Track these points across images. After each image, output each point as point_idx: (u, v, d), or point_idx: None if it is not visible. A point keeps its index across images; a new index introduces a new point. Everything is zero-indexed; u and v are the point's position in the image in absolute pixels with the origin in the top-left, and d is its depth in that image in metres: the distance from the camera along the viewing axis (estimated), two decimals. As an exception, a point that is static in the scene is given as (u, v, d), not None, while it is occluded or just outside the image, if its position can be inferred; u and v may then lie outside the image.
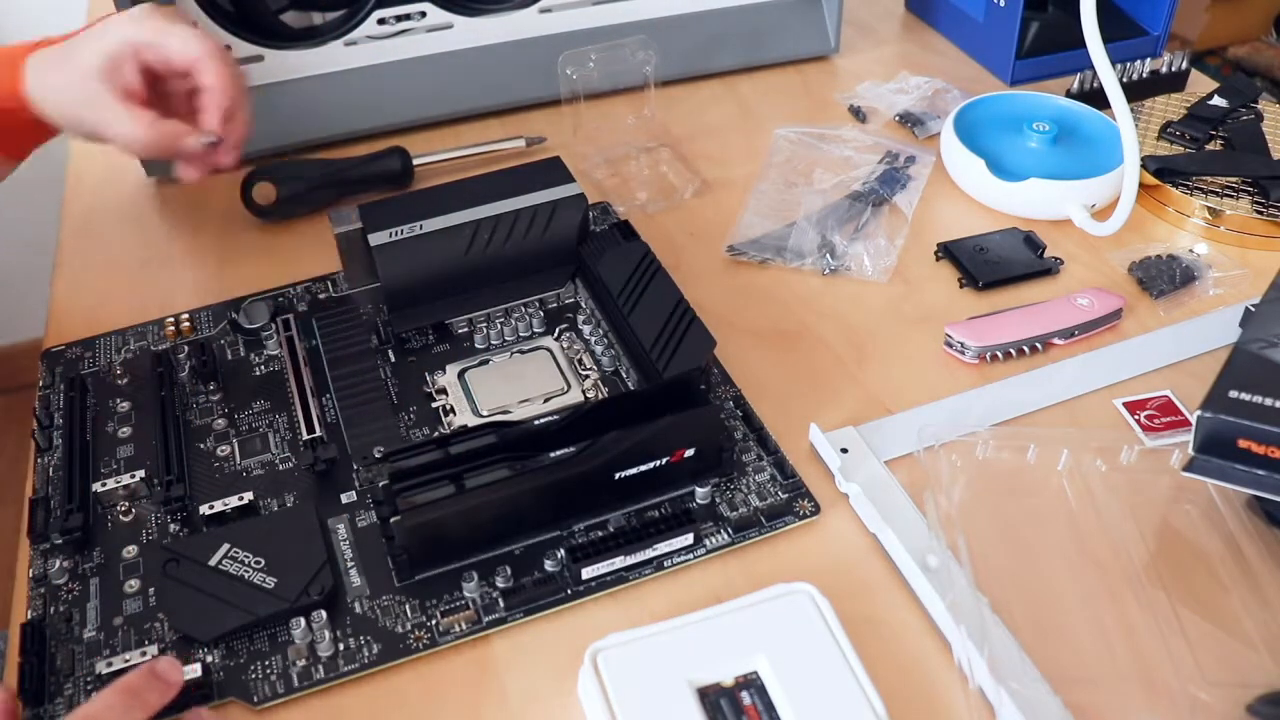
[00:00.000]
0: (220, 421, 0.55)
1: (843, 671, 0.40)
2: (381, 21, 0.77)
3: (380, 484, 0.50)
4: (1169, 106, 0.76)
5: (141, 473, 0.51)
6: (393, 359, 0.58)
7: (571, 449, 0.47)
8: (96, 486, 0.51)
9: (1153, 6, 0.84)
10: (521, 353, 0.58)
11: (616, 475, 0.48)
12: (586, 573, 0.46)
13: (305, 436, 0.53)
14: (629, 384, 0.56)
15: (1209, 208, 0.67)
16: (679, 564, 0.48)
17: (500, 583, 0.47)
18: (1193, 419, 0.46)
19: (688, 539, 0.47)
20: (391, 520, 0.46)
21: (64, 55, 0.58)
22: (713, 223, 0.69)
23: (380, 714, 0.43)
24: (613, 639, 0.42)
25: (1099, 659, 0.43)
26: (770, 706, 0.40)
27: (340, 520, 0.50)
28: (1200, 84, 0.81)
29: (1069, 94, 0.76)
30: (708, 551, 0.48)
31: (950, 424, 0.53)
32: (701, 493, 0.50)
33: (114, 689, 0.40)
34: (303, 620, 0.45)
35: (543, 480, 0.46)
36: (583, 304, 0.61)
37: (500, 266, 0.60)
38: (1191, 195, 0.67)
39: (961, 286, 0.64)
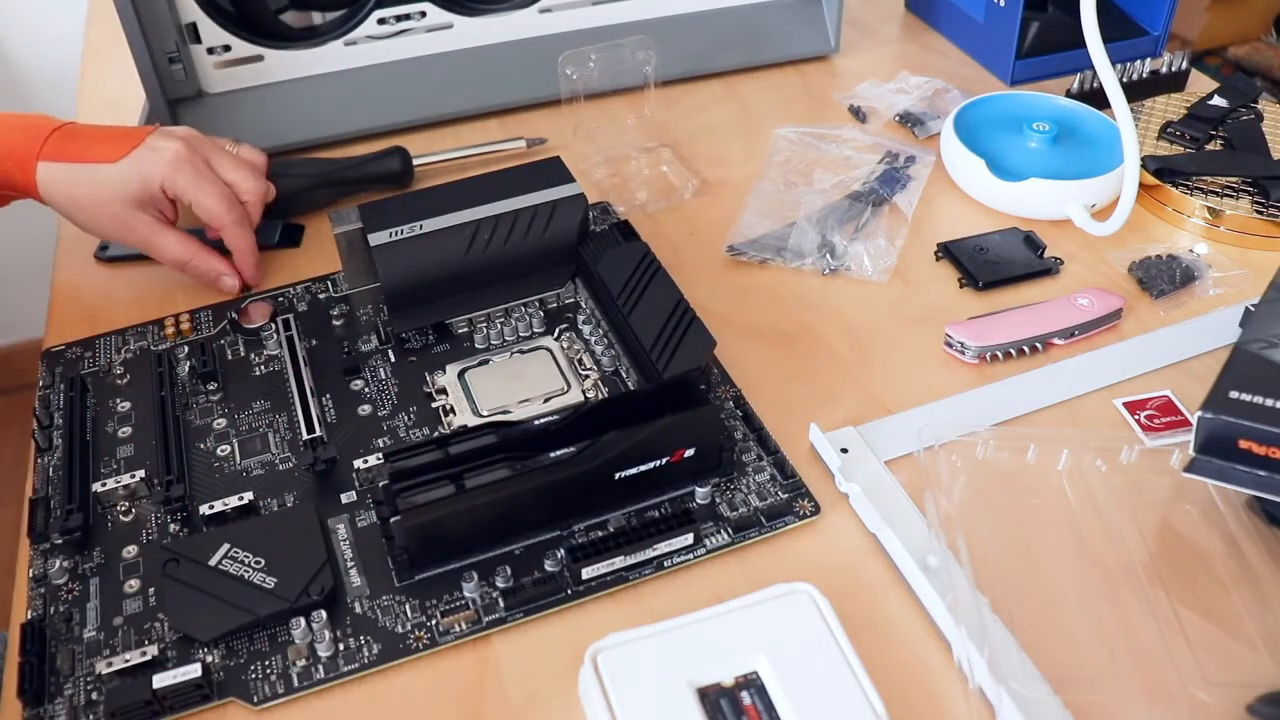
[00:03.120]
0: (220, 421, 0.55)
1: (843, 671, 0.40)
2: (381, 21, 0.77)
3: (380, 484, 0.50)
4: (1169, 106, 0.76)
5: (141, 473, 0.51)
6: (393, 359, 0.58)
7: (571, 449, 0.47)
8: (96, 486, 0.51)
9: (1153, 6, 0.84)
10: (521, 353, 0.58)
11: (616, 475, 0.48)
12: (586, 573, 0.46)
13: (305, 436, 0.53)
14: (629, 384, 0.56)
15: (1209, 208, 0.67)
16: (679, 564, 0.48)
17: (500, 583, 0.47)
18: (1193, 419, 0.46)
19: (688, 539, 0.47)
20: (391, 520, 0.46)
21: (101, 181, 0.59)
22: (713, 223, 0.69)
23: (380, 714, 0.43)
24: (613, 639, 0.42)
25: (1099, 659, 0.43)
26: (770, 706, 0.40)
27: (340, 520, 0.50)
28: (1200, 84, 0.81)
29: (1069, 94, 0.76)
30: (708, 551, 0.48)
31: (950, 424, 0.53)
32: (701, 493, 0.50)
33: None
34: (303, 620, 0.45)
35: (543, 480, 0.46)
36: (583, 304, 0.61)
37: (500, 266, 0.60)
38: (1191, 195, 0.67)
39: (961, 286, 0.64)
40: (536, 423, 0.47)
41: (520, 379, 0.56)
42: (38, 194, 0.60)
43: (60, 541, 0.49)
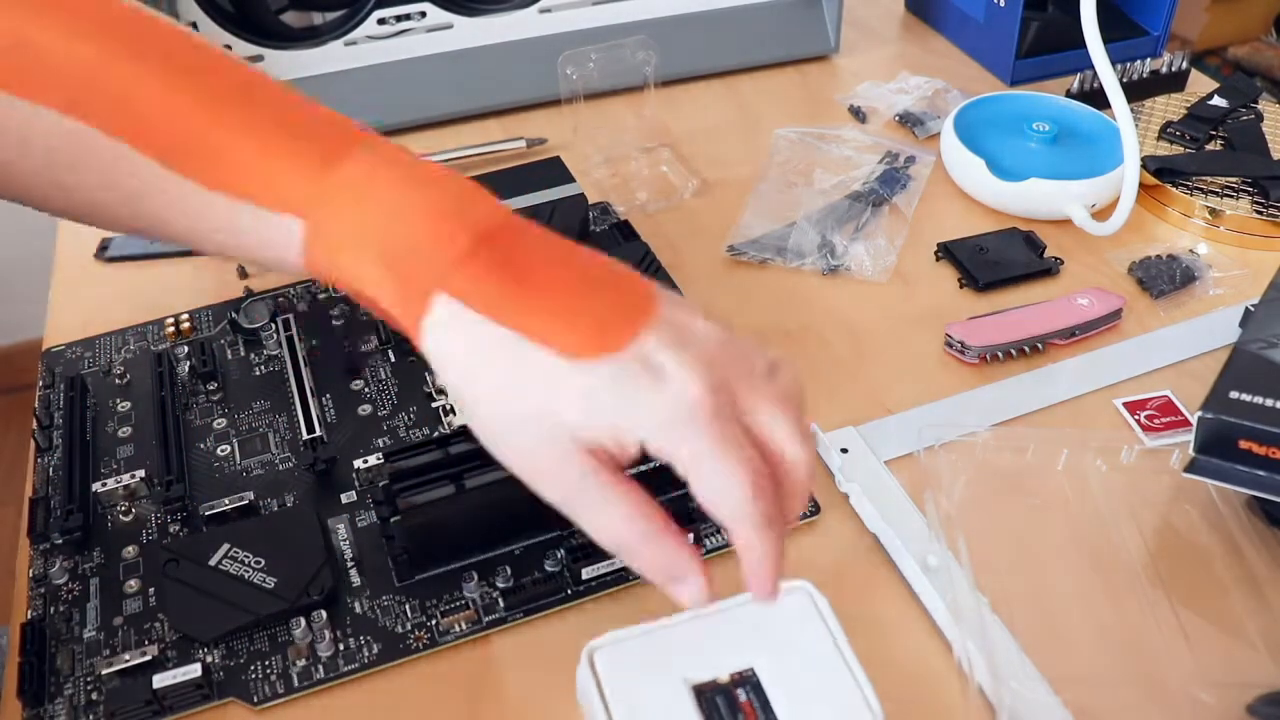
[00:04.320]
0: (220, 421, 0.55)
1: (839, 669, 0.40)
2: (381, 21, 0.77)
3: (380, 484, 0.50)
4: (1169, 106, 0.76)
5: (141, 473, 0.51)
6: (393, 359, 0.58)
7: (571, 449, 0.46)
8: (96, 486, 0.51)
9: (1153, 6, 0.84)
10: (521, 353, 0.58)
11: (616, 475, 0.48)
12: (586, 573, 0.46)
13: (305, 436, 0.53)
14: (629, 384, 0.56)
15: (1209, 208, 0.67)
16: (679, 564, 0.47)
17: (500, 583, 0.47)
18: (1193, 419, 0.46)
19: (688, 539, 0.47)
20: (391, 520, 0.46)
21: (522, 363, 0.33)
22: (713, 223, 0.69)
23: (380, 714, 0.43)
24: (609, 637, 0.42)
25: (1099, 659, 0.43)
26: (766, 704, 0.40)
27: (340, 520, 0.50)
28: (1200, 84, 0.81)
29: (1069, 94, 0.76)
30: (708, 551, 0.48)
31: (950, 424, 0.53)
32: (701, 493, 0.50)
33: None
34: (303, 620, 0.45)
35: (543, 480, 0.46)
36: (583, 304, 0.61)
37: (500, 266, 0.60)
38: (1191, 195, 0.67)
39: (961, 286, 0.64)
40: (537, 423, 0.47)
41: (520, 379, 0.56)
42: (416, 339, 0.35)
43: (60, 541, 0.49)
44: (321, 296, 0.63)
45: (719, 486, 0.33)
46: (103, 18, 0.38)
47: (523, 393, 0.33)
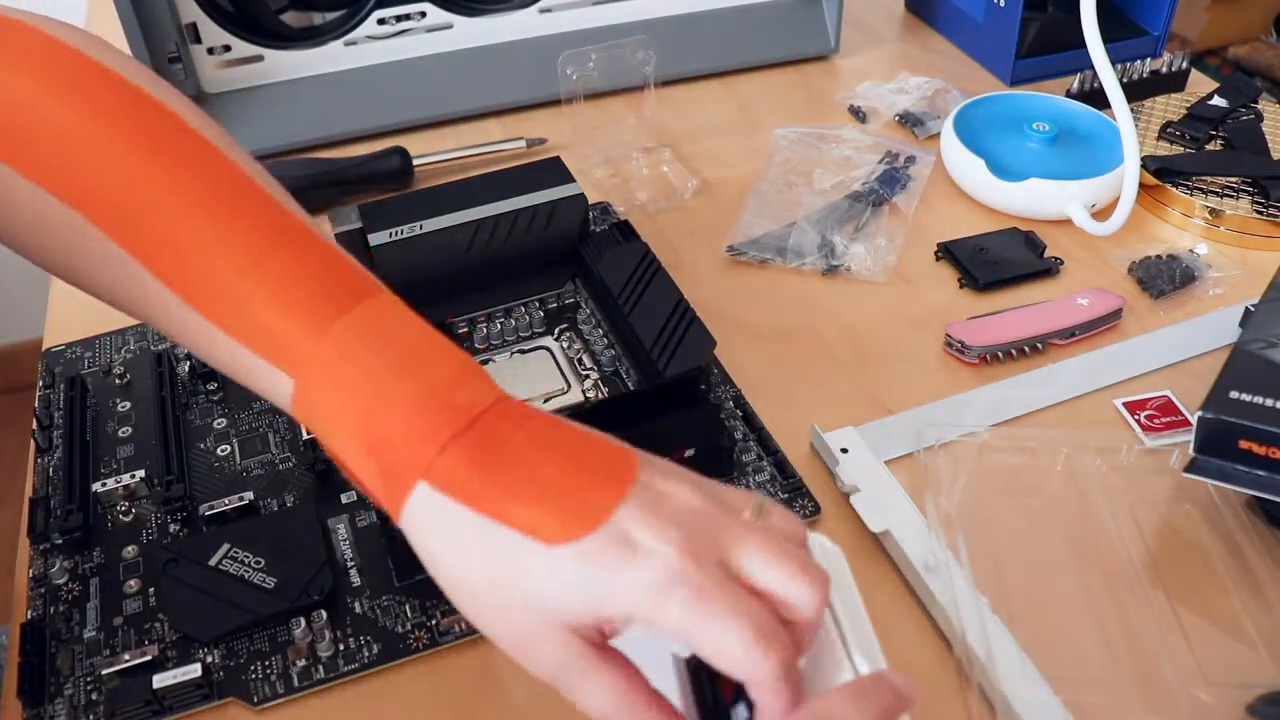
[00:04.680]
0: (220, 421, 0.55)
1: (843, 623, 0.36)
2: (381, 21, 0.77)
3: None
4: (1169, 106, 0.76)
5: (141, 473, 0.51)
6: (393, 359, 0.58)
7: (571, 449, 0.46)
8: (96, 486, 0.51)
9: (1153, 6, 0.84)
10: (522, 352, 0.58)
11: (616, 475, 0.48)
12: (586, 573, 0.46)
13: (305, 436, 0.53)
14: (629, 384, 0.56)
15: (1209, 208, 0.67)
16: (679, 564, 0.47)
17: (500, 583, 0.47)
18: (1193, 419, 0.46)
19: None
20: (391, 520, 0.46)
21: (499, 551, 0.33)
22: (713, 223, 0.69)
23: (380, 714, 0.43)
24: None
25: (1099, 659, 0.43)
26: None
27: (340, 520, 0.50)
28: (1200, 84, 0.81)
29: (1069, 94, 0.76)
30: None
31: (950, 424, 0.53)
32: (701, 493, 0.50)
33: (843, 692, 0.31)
34: (303, 620, 0.45)
35: (543, 480, 0.46)
36: (583, 304, 0.61)
37: (500, 266, 0.60)
38: (1191, 195, 0.67)
39: (961, 286, 0.64)
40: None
41: (520, 379, 0.56)
42: (398, 521, 0.34)
43: (60, 541, 0.49)
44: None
45: (718, 647, 0.31)
46: (148, 128, 0.37)
47: (501, 582, 0.33)
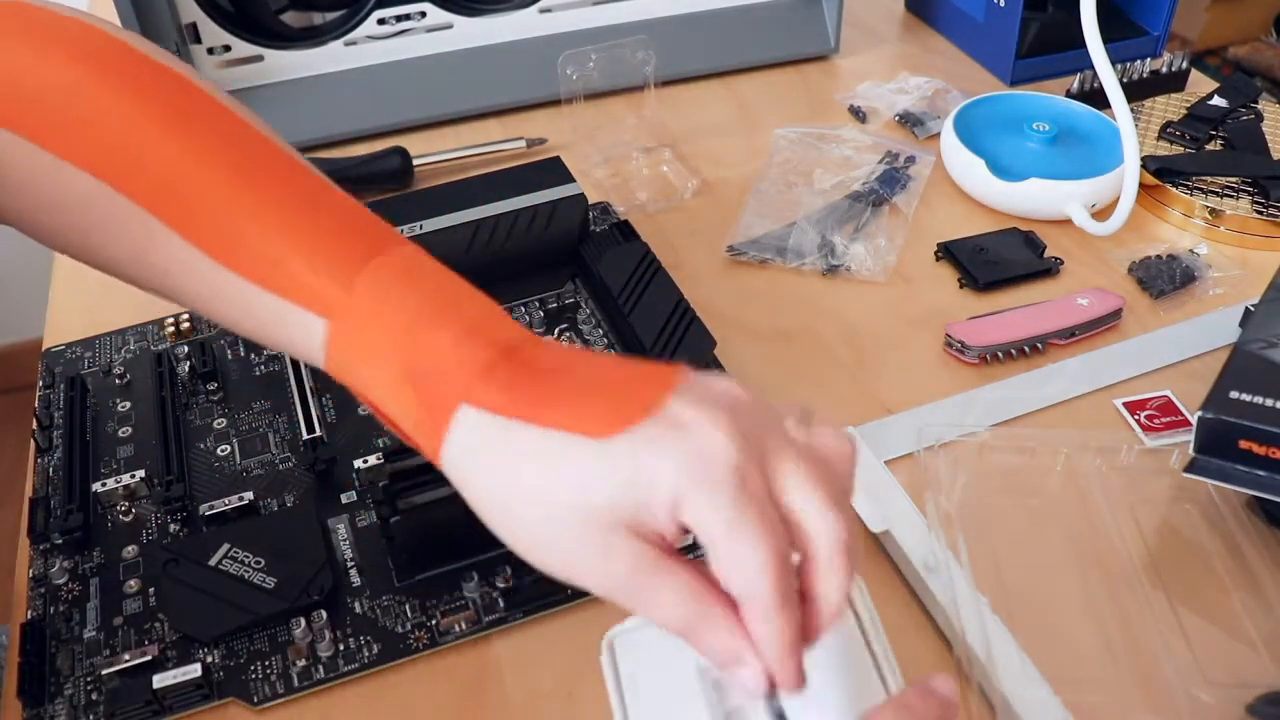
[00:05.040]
0: (220, 421, 0.55)
1: (862, 655, 0.38)
2: (381, 21, 0.77)
3: (380, 484, 0.50)
4: (1169, 106, 0.76)
5: (141, 473, 0.51)
6: (393, 359, 0.58)
7: (571, 449, 0.46)
8: (96, 486, 0.51)
9: (1153, 6, 0.84)
10: (521, 353, 0.58)
11: (616, 475, 0.48)
12: (586, 573, 0.46)
13: (305, 436, 0.53)
14: (629, 384, 0.56)
15: (1209, 208, 0.67)
16: (679, 564, 0.47)
17: (500, 583, 0.47)
18: (1193, 419, 0.46)
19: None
20: (391, 520, 0.46)
21: (547, 457, 0.32)
22: (713, 223, 0.69)
23: (380, 714, 0.43)
24: (630, 623, 0.42)
25: (1099, 659, 0.43)
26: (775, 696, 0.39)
27: (340, 520, 0.50)
28: (1200, 84, 0.81)
29: (1069, 94, 0.76)
30: (708, 551, 0.48)
31: (950, 424, 0.53)
32: (701, 493, 0.50)
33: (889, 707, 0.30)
34: (303, 620, 0.45)
35: (543, 480, 0.46)
36: (583, 304, 0.61)
37: (500, 267, 0.60)
38: (1191, 195, 0.67)
39: (961, 286, 0.64)
40: (536, 423, 0.47)
41: (520, 379, 0.56)
42: (437, 456, 0.34)
43: (60, 541, 0.49)
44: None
45: (739, 554, 0.30)
46: (168, 98, 0.38)
47: (552, 486, 0.31)
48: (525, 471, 0.32)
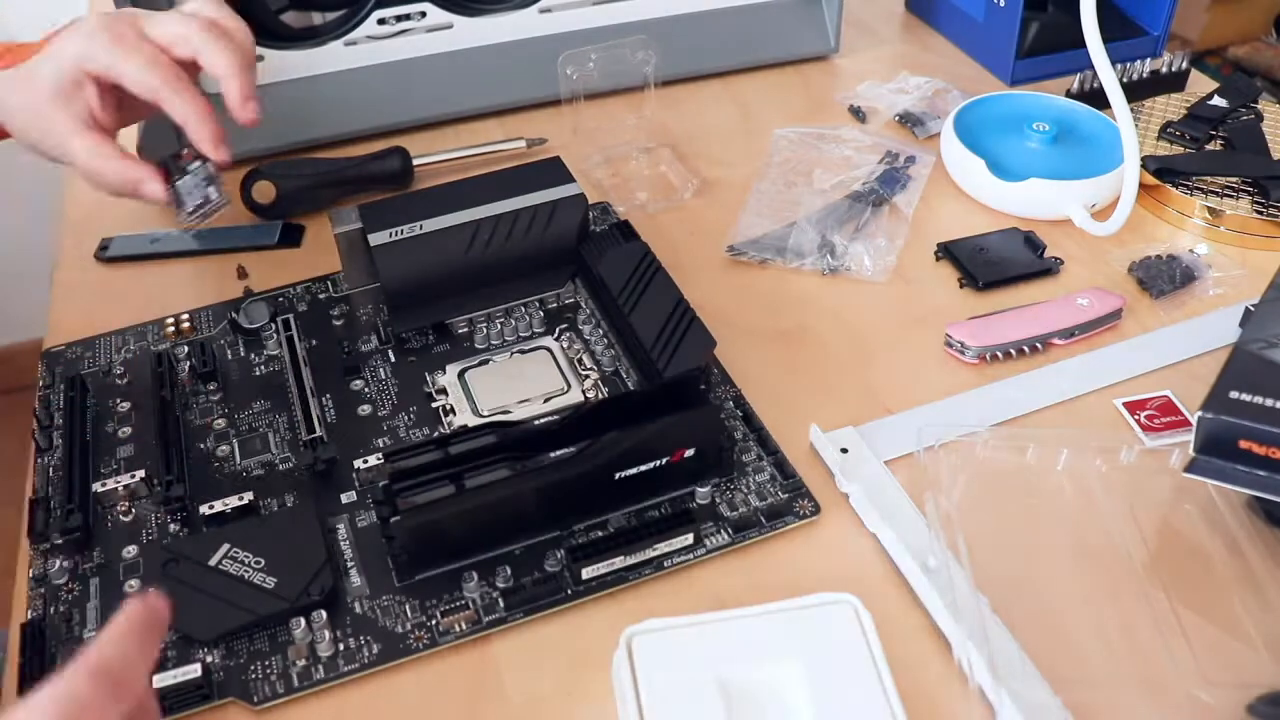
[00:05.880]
0: (220, 421, 0.55)
1: (873, 688, 0.40)
2: (381, 21, 0.77)
3: (380, 484, 0.50)
4: (1169, 106, 0.76)
5: (141, 473, 0.51)
6: (393, 359, 0.58)
7: (571, 449, 0.47)
8: (96, 486, 0.51)
9: (1153, 6, 0.84)
10: (522, 353, 0.58)
11: (616, 475, 0.48)
12: (586, 573, 0.46)
13: (305, 436, 0.53)
14: (629, 384, 0.56)
15: (1209, 208, 0.67)
16: (679, 564, 0.48)
17: (500, 583, 0.47)
18: (1193, 419, 0.46)
19: (688, 539, 0.47)
20: (391, 520, 0.46)
21: (26, 76, 0.53)
22: (713, 223, 0.69)
23: (380, 714, 0.43)
24: (649, 624, 0.42)
25: (1099, 659, 0.43)
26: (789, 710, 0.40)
27: (340, 520, 0.50)
28: (1200, 84, 0.81)
29: (1069, 94, 0.76)
30: (708, 551, 0.48)
31: (950, 424, 0.53)
32: (702, 493, 0.50)
33: (118, 628, 0.34)
34: (303, 620, 0.45)
35: (543, 480, 0.46)
36: (583, 304, 0.61)
37: (500, 266, 0.60)
38: (1191, 195, 0.67)
39: (961, 286, 0.64)
40: (536, 423, 0.47)
41: (520, 379, 0.56)
42: None
43: (60, 541, 0.49)
44: (322, 296, 0.63)
45: (126, 72, 0.51)
46: None
47: (24, 86, 0.53)
48: (15, 95, 0.54)
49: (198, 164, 0.56)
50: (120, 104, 0.55)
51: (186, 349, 0.59)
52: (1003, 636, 0.43)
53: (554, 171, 0.62)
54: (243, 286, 0.63)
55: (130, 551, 0.49)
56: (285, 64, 0.76)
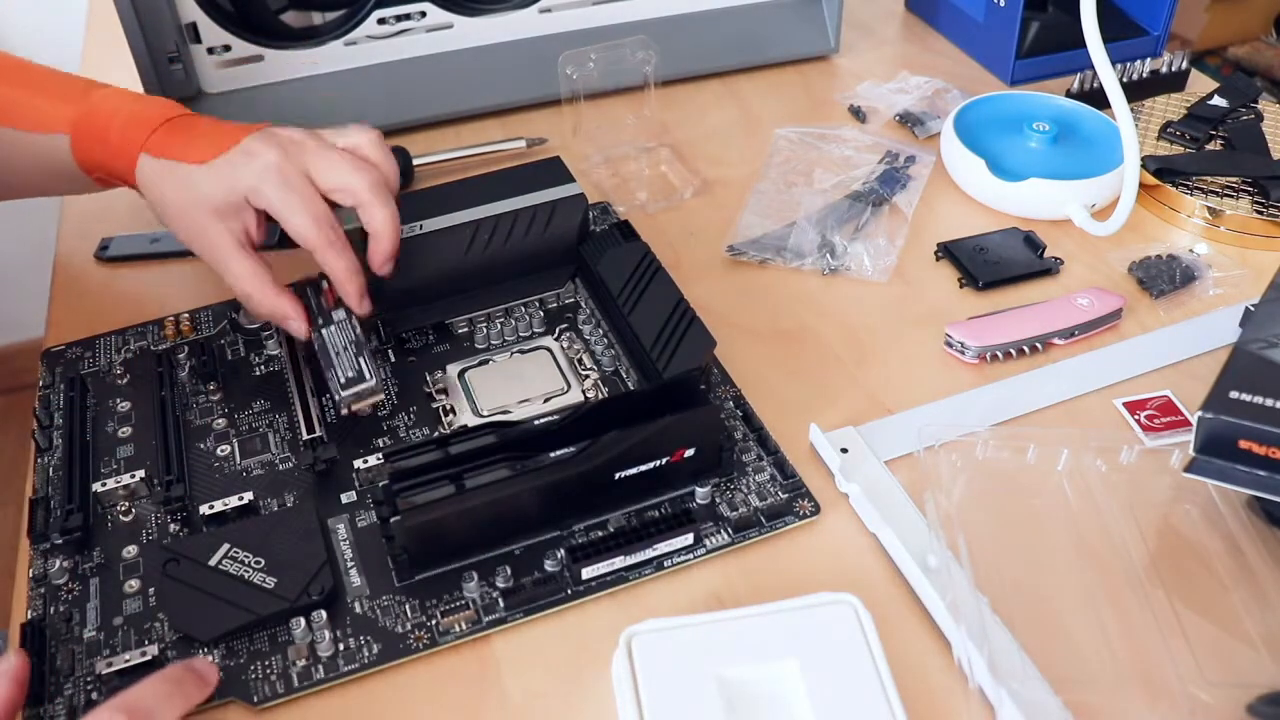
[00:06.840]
0: (220, 421, 0.55)
1: (873, 688, 0.40)
2: (381, 21, 0.77)
3: (380, 484, 0.50)
4: (1169, 106, 0.76)
5: (141, 473, 0.51)
6: (393, 359, 0.58)
7: (571, 449, 0.47)
8: (96, 486, 0.51)
9: (1153, 6, 0.84)
10: (522, 352, 0.58)
11: (616, 475, 0.48)
12: (586, 573, 0.46)
13: (305, 436, 0.53)
14: (629, 384, 0.56)
15: (1209, 208, 0.67)
16: (679, 564, 0.48)
17: (500, 583, 0.47)
18: (1193, 419, 0.46)
19: (688, 539, 0.47)
20: (391, 520, 0.46)
21: (187, 183, 0.53)
22: (713, 223, 0.69)
23: (380, 714, 0.43)
24: (649, 624, 0.42)
25: (1099, 659, 0.43)
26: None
27: (340, 520, 0.50)
28: (1200, 84, 0.81)
29: (1069, 94, 0.76)
30: (708, 551, 0.48)
31: (950, 424, 0.53)
32: (701, 493, 0.50)
33: (155, 677, 0.41)
34: (303, 620, 0.45)
35: (543, 480, 0.46)
36: (583, 304, 0.61)
37: (500, 266, 0.60)
38: (1191, 195, 0.67)
39: (961, 286, 0.64)
40: (536, 423, 0.47)
41: (520, 379, 0.56)
42: (138, 187, 0.56)
43: (60, 541, 0.49)
44: (321, 296, 0.63)
45: (292, 223, 0.52)
46: None
47: (184, 192, 0.54)
48: (170, 190, 0.54)
49: (341, 312, 0.56)
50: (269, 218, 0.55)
51: (186, 349, 0.59)
52: (1003, 636, 0.43)
53: (554, 171, 0.62)
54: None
55: (130, 551, 0.49)
56: (285, 64, 0.76)
